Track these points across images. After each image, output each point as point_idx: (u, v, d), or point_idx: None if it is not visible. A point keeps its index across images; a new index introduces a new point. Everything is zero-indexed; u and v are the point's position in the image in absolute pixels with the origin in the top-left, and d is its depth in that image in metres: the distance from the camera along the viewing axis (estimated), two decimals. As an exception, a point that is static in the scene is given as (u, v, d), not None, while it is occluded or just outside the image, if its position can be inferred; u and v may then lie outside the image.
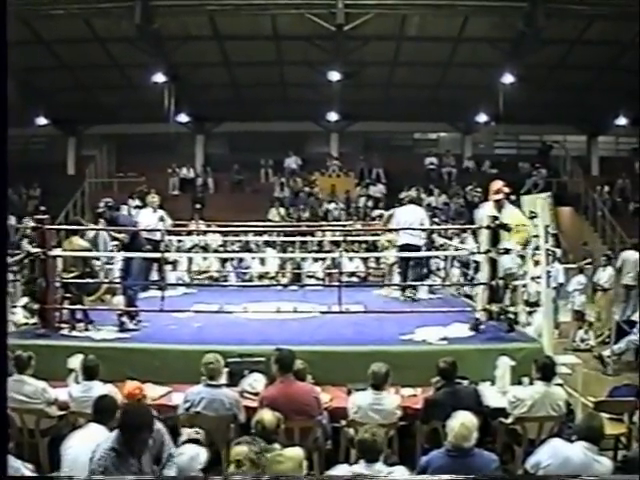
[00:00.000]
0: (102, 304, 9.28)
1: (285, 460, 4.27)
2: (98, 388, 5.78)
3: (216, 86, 19.82)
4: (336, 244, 13.96)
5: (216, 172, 22.63)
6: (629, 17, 13.69)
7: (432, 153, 23.37)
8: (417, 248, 10.16)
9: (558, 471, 4.55)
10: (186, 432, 5.27)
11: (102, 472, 4.19)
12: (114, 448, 4.26)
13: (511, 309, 7.82)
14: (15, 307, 8.23)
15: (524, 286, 8.16)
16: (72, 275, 8.12)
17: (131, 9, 14.64)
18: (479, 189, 18.86)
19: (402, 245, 10.28)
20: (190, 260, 13.44)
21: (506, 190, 8.69)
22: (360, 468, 4.47)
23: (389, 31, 16.60)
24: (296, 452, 4.44)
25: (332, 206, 20.17)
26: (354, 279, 14.06)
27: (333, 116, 21.61)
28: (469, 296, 9.98)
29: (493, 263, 7.81)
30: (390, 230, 11.21)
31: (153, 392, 6.36)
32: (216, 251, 14.53)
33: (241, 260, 14.34)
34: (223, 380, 6.08)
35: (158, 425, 4.67)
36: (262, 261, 14.33)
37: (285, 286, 12.62)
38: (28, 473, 4.49)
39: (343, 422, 5.87)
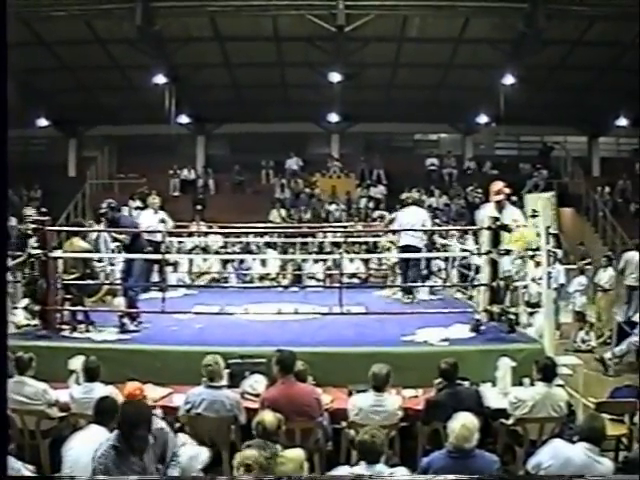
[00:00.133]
0: (103, 305, 9.28)
1: (286, 461, 4.27)
2: (99, 389, 5.78)
3: (217, 87, 19.82)
4: (337, 245, 13.96)
5: (217, 173, 22.63)
6: (629, 18, 13.68)
7: (433, 154, 23.36)
8: (418, 249, 10.17)
9: (559, 472, 4.55)
10: (180, 437, 5.28)
11: (103, 470, 4.19)
12: (114, 446, 4.27)
13: (512, 310, 7.82)
14: (16, 308, 8.23)
15: (525, 287, 8.16)
16: (73, 276, 8.13)
17: (132, 10, 14.64)
18: (480, 190, 18.87)
19: (403, 246, 10.29)
20: (191, 261, 13.45)
21: (507, 191, 8.70)
22: (361, 469, 4.47)
23: (390, 32, 16.59)
24: (297, 453, 4.44)
25: (333, 207, 20.17)
26: (355, 280, 14.05)
27: (334, 117, 21.62)
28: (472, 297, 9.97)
29: (494, 264, 7.81)
30: (391, 231, 11.21)
31: (154, 393, 6.36)
32: (217, 252, 14.52)
33: (242, 261, 14.33)
34: (224, 381, 6.07)
35: (161, 424, 4.67)
36: (263, 262, 14.33)
37: (286, 287, 12.62)
38: (29, 474, 4.49)
39: (344, 423, 5.87)
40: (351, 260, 13.84)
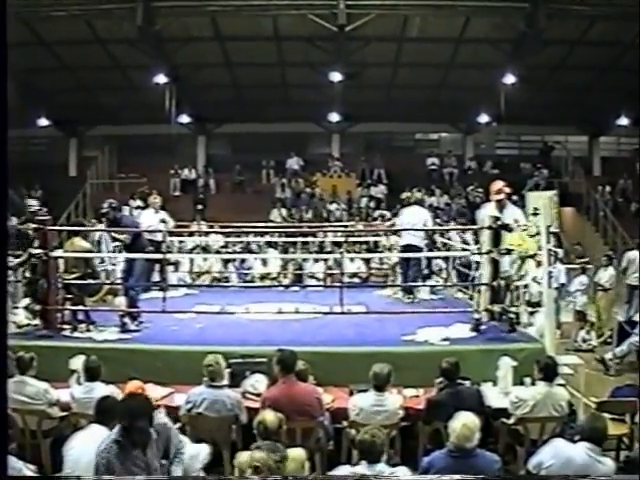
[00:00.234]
0: (104, 305, 9.28)
1: (287, 461, 4.27)
2: (100, 389, 5.78)
3: (217, 87, 19.82)
4: (338, 245, 13.96)
5: (217, 173, 22.63)
6: (630, 18, 13.67)
7: (433, 154, 23.35)
8: (419, 249, 10.17)
9: (560, 471, 4.55)
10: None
11: (105, 465, 4.19)
12: (116, 440, 4.28)
13: (512, 309, 7.81)
14: (17, 308, 8.23)
15: (525, 287, 8.15)
16: (74, 276, 8.13)
17: (132, 10, 14.65)
18: (480, 189, 18.87)
19: (404, 246, 10.30)
20: (192, 261, 13.44)
21: (507, 190, 8.70)
22: (361, 469, 4.46)
23: (390, 32, 16.59)
24: (298, 453, 4.45)
25: (334, 207, 20.18)
26: (356, 280, 14.05)
27: (334, 117, 21.62)
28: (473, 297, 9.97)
29: (495, 264, 7.81)
30: (392, 231, 11.21)
31: (155, 393, 6.35)
32: (218, 252, 14.53)
33: (243, 261, 14.33)
34: (225, 381, 6.07)
35: (164, 419, 4.67)
36: (264, 262, 14.33)
37: (287, 287, 12.63)
38: (30, 474, 4.50)
39: (345, 423, 5.87)
40: (352, 260, 13.84)
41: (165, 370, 6.86)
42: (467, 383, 6.16)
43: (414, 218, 10.37)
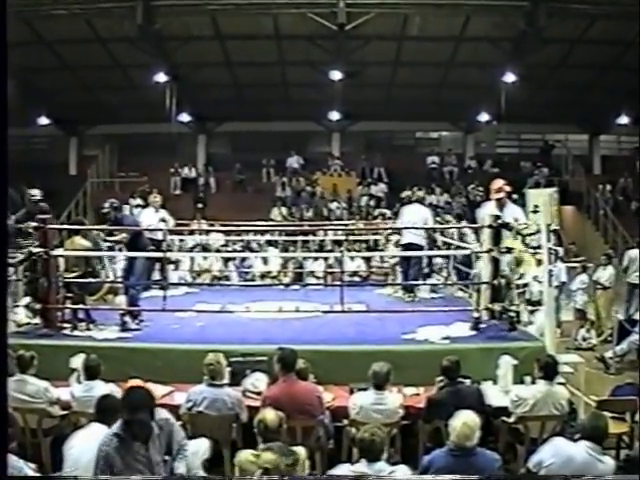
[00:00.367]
0: (104, 304, 9.28)
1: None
2: (99, 388, 5.78)
3: (218, 86, 19.82)
4: (338, 243, 13.96)
5: (218, 172, 22.65)
6: (630, 16, 13.66)
7: (434, 152, 23.38)
8: (420, 247, 10.17)
9: (560, 470, 4.55)
10: None
11: (105, 458, 4.19)
12: (117, 434, 4.28)
13: (512, 308, 7.81)
14: (17, 307, 8.23)
15: (525, 285, 8.15)
16: (74, 275, 8.13)
17: (132, 9, 14.64)
18: (481, 188, 18.88)
19: (405, 244, 10.30)
20: (192, 260, 13.45)
21: (507, 189, 8.69)
22: (361, 467, 4.46)
23: (390, 31, 16.59)
24: (298, 451, 4.44)
25: (334, 205, 20.19)
26: (356, 278, 14.06)
27: (335, 115, 21.62)
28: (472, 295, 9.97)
29: (495, 262, 7.80)
30: (392, 229, 11.20)
31: (155, 391, 6.33)
32: (218, 251, 14.54)
33: (243, 259, 14.34)
34: (225, 380, 6.07)
35: (167, 415, 4.67)
36: (264, 260, 14.34)
37: (287, 285, 12.62)
38: (31, 473, 4.49)
39: (345, 421, 5.87)
40: (352, 258, 13.85)
41: (165, 369, 6.86)
42: (467, 382, 6.15)
43: (415, 216, 10.37)
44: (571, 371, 7.41)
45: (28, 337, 7.49)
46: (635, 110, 18.88)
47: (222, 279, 13.55)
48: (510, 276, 7.78)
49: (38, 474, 4.87)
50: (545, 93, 19.28)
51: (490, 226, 7.84)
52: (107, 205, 8.37)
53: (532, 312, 8.07)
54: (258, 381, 6.46)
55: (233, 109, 21.19)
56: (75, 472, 4.57)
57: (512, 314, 7.69)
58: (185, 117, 20.88)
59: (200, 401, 5.73)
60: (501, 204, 8.51)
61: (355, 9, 15.04)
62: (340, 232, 14.33)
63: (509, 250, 7.69)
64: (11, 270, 7.99)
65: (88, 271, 8.29)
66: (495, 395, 6.34)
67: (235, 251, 14.61)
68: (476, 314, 7.91)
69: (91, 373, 5.95)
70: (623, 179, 21.20)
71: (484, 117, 20.84)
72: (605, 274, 12.53)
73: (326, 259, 13.83)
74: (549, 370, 5.91)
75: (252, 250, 14.88)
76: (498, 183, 8.75)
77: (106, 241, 8.89)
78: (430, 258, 11.20)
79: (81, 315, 8.15)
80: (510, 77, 17.09)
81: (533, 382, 6.19)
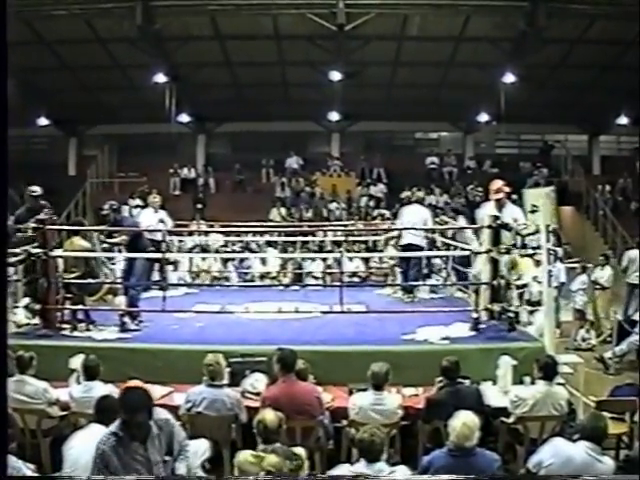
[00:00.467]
0: (104, 304, 9.28)
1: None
2: (99, 388, 5.77)
3: (217, 86, 19.82)
4: (337, 244, 13.96)
5: (217, 172, 22.65)
6: (630, 16, 13.66)
7: (433, 153, 23.40)
8: (420, 248, 10.17)
9: (560, 470, 4.55)
10: None
11: (100, 456, 4.18)
12: (114, 433, 4.27)
13: (512, 308, 7.81)
14: (17, 307, 8.22)
15: (524, 286, 8.15)
16: (73, 275, 8.13)
17: (132, 9, 14.64)
18: (480, 188, 18.88)
19: (405, 245, 10.30)
20: (191, 260, 13.44)
21: (506, 189, 8.69)
22: (361, 468, 4.46)
23: (390, 31, 16.59)
24: (298, 451, 4.44)
25: (333, 206, 20.19)
26: (355, 279, 14.06)
27: (334, 116, 21.61)
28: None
29: (494, 263, 7.81)
30: (391, 230, 11.20)
31: (155, 392, 6.33)
32: (217, 251, 14.54)
33: (242, 260, 14.33)
34: (225, 380, 6.07)
35: (167, 415, 4.66)
36: (263, 261, 14.33)
37: (286, 286, 12.62)
38: (30, 473, 4.49)
39: (345, 422, 5.87)
40: (351, 259, 13.84)
41: (165, 369, 6.86)
42: (467, 382, 6.15)
43: (415, 217, 10.37)
44: (570, 371, 7.41)
45: (27, 338, 7.50)
46: (635, 110, 18.89)
47: (221, 280, 13.54)
48: (509, 276, 7.78)
49: (37, 474, 4.88)
50: (545, 93, 19.29)
51: (489, 226, 7.84)
52: (106, 207, 8.37)
53: (531, 312, 8.08)
54: (257, 382, 6.46)
55: (233, 109, 21.18)
56: (74, 472, 4.57)
57: (511, 314, 7.69)
58: (185, 117, 20.88)
59: (199, 401, 5.73)
60: (500, 204, 8.51)
61: (354, 9, 15.04)
62: (339, 233, 14.32)
63: (508, 251, 7.69)
64: (11, 270, 8.00)
65: (87, 272, 8.29)
66: (494, 395, 6.34)
67: (234, 252, 14.61)
68: (475, 314, 7.91)
69: (90, 374, 5.95)
70: (622, 179, 21.20)
71: (484, 117, 20.85)
72: (603, 274, 12.54)
73: (325, 260, 13.82)
74: (548, 370, 5.91)
75: (251, 251, 14.88)
76: (497, 184, 8.75)
77: (105, 243, 8.89)
78: (429, 258, 11.20)
79: (80, 316, 8.16)
80: (510, 77, 17.09)
81: (532, 382, 6.18)
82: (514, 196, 9.32)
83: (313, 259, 14.28)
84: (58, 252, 8.25)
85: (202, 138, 23.85)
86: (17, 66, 14.18)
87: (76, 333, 7.82)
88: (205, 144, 23.97)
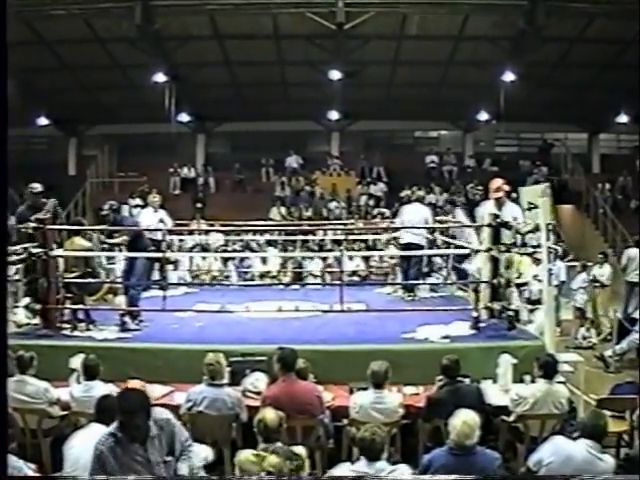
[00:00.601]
0: (104, 304, 9.28)
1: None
2: (99, 388, 5.78)
3: (217, 86, 19.82)
4: (337, 243, 13.97)
5: (217, 171, 22.64)
6: (629, 15, 13.66)
7: (433, 151, 23.39)
8: (420, 247, 10.17)
9: (560, 469, 4.55)
10: None
11: (97, 456, 4.18)
12: (113, 433, 4.25)
13: (512, 307, 7.81)
14: (17, 307, 8.23)
15: (524, 284, 8.15)
16: (74, 275, 8.13)
17: (131, 9, 14.64)
18: (480, 187, 18.83)
19: (405, 244, 10.29)
20: (191, 260, 13.44)
21: (506, 188, 8.69)
22: (361, 467, 4.46)
23: (389, 30, 16.58)
24: (298, 451, 4.44)
25: (333, 205, 20.19)
26: (355, 278, 14.06)
27: (334, 115, 21.60)
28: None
29: (494, 261, 7.81)
30: (392, 229, 11.20)
31: (155, 392, 6.36)
32: (217, 250, 14.54)
33: (242, 259, 14.34)
34: (225, 379, 6.08)
35: (168, 415, 4.66)
36: (263, 260, 14.34)
37: (287, 285, 12.62)
38: (31, 473, 4.49)
39: (345, 421, 5.87)
40: (350, 258, 13.85)
41: (165, 369, 6.86)
42: (467, 381, 6.15)
43: (415, 216, 10.38)
44: (571, 370, 7.41)
45: (28, 337, 7.50)
46: (634, 109, 18.89)
47: (222, 279, 13.54)
48: (508, 275, 7.78)
49: (38, 474, 4.88)
50: (544, 92, 19.28)
51: (489, 225, 7.84)
52: (106, 207, 8.38)
53: (532, 311, 8.09)
54: (258, 381, 6.46)
55: (232, 109, 21.18)
56: (75, 472, 4.56)
57: (511, 313, 7.69)
58: (184, 117, 20.88)
59: (200, 401, 5.73)
60: (500, 203, 8.50)
61: (354, 8, 15.04)
62: (339, 232, 14.32)
63: (508, 249, 7.69)
64: (11, 270, 8.01)
65: (88, 271, 8.29)
66: (495, 394, 6.34)
67: (234, 251, 14.61)
68: (475, 313, 7.91)
69: (90, 373, 5.95)
70: (622, 178, 21.18)
71: (483, 116, 20.85)
72: (603, 272, 12.55)
73: (325, 258, 13.82)
74: (549, 369, 5.91)
75: (251, 250, 14.89)
76: (497, 182, 8.74)
77: (105, 243, 8.89)
78: (430, 257, 11.20)
79: (81, 315, 8.15)
80: (509, 76, 17.10)
81: (533, 381, 6.18)
82: (514, 194, 9.32)
83: (313, 258, 14.28)
84: (58, 252, 8.25)
85: (202, 138, 23.85)
86: (17, 66, 14.18)
87: (76, 333, 7.82)
88: (205, 144, 23.96)
